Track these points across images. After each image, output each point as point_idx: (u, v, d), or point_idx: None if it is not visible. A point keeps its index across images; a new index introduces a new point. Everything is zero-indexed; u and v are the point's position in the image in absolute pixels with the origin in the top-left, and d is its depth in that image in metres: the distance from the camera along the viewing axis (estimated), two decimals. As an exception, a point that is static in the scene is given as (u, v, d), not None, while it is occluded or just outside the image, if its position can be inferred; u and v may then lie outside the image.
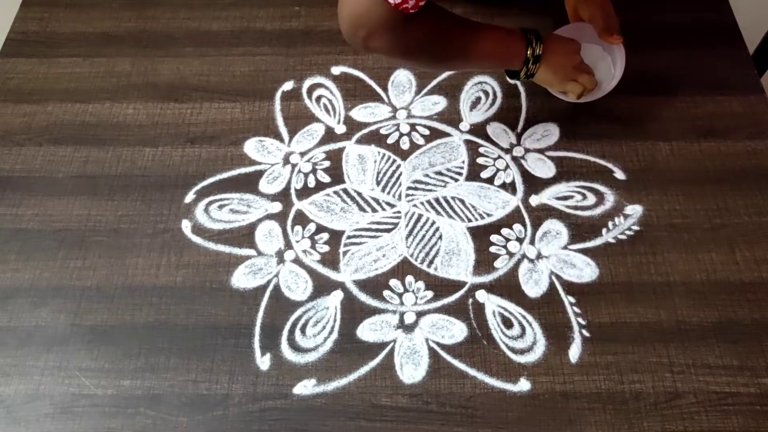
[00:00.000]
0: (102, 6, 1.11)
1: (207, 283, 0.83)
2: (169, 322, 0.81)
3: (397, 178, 0.92)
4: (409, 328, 0.80)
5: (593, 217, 0.87)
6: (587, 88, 0.87)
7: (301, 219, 0.88)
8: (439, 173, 0.92)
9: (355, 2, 0.70)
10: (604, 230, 0.86)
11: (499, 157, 0.93)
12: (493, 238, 0.86)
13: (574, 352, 0.78)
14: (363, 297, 0.82)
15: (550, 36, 0.85)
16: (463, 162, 0.93)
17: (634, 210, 0.88)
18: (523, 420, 0.74)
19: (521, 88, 0.99)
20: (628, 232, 0.86)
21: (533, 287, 0.82)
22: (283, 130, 0.96)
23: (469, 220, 0.88)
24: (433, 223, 0.88)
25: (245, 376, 0.77)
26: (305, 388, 0.77)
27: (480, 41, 0.80)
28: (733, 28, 1.04)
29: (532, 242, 0.86)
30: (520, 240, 0.86)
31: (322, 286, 0.83)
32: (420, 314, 0.81)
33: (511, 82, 0.87)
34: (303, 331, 0.80)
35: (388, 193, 0.90)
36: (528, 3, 1.07)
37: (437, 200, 0.90)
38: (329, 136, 0.96)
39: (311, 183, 0.91)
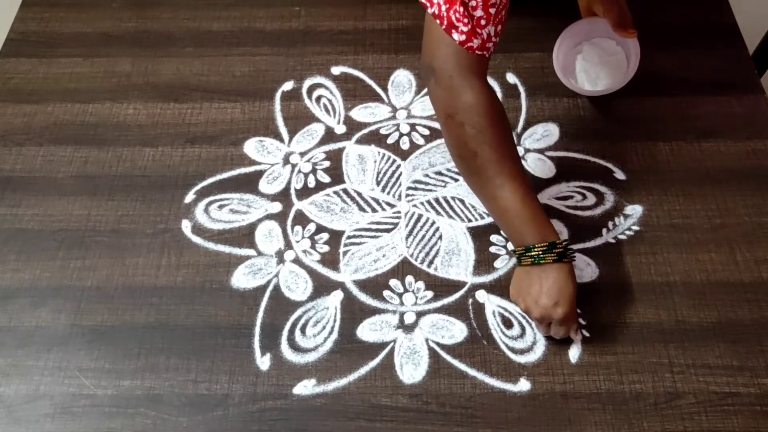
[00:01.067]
0: (102, 6, 1.11)
1: (207, 283, 0.83)
2: (169, 322, 0.81)
3: (397, 178, 0.92)
4: (409, 328, 0.80)
5: (593, 217, 0.87)
6: (554, 336, 0.77)
7: (301, 219, 0.88)
8: (439, 173, 0.92)
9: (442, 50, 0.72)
10: (604, 230, 0.86)
11: (499, 157, 0.93)
12: (493, 238, 0.86)
13: (574, 352, 0.78)
14: (363, 297, 0.82)
15: (566, 267, 0.74)
16: (463, 162, 0.93)
17: (634, 210, 0.88)
18: (523, 420, 0.74)
19: (521, 88, 0.99)
20: (628, 232, 0.86)
21: (533, 287, 0.82)
22: (283, 130, 0.96)
23: (469, 220, 0.88)
24: (433, 223, 0.88)
25: (245, 376, 0.77)
26: (305, 388, 0.77)
27: (511, 188, 0.74)
28: (733, 28, 1.04)
29: (532, 242, 0.86)
30: (520, 240, 0.86)
31: (322, 286, 0.83)
32: (420, 314, 0.81)
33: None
34: (303, 331, 0.80)
35: (388, 193, 0.90)
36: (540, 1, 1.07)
37: (437, 200, 0.90)
38: (329, 136, 0.96)
39: (311, 183, 0.91)
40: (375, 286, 0.83)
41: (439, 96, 0.76)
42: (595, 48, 0.96)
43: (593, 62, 0.95)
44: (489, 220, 0.88)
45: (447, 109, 0.75)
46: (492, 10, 0.70)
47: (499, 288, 0.82)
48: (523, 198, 0.74)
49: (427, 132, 0.95)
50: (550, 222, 0.76)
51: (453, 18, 0.70)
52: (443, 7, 0.70)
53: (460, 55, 0.72)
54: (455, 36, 0.71)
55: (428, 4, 0.72)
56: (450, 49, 0.72)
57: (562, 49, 0.95)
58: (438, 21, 0.71)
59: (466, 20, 0.69)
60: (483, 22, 0.70)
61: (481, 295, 0.82)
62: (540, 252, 0.73)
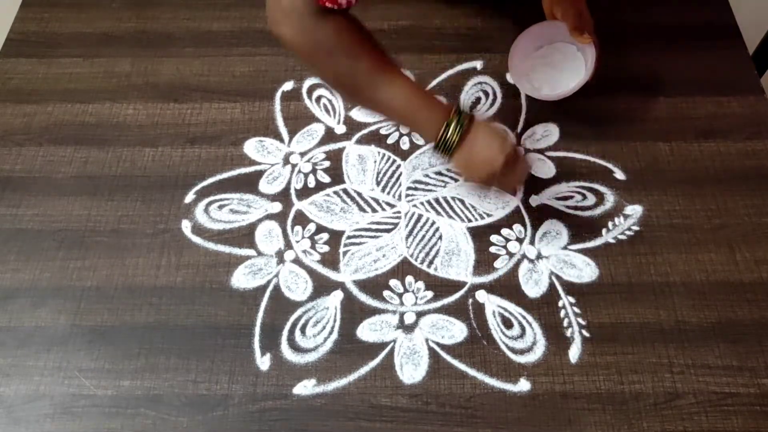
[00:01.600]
0: (102, 6, 1.11)
1: (207, 284, 0.83)
2: (169, 323, 0.81)
3: (397, 179, 0.92)
4: (409, 329, 0.80)
5: (593, 217, 0.87)
6: (506, 189, 0.80)
7: (301, 219, 0.88)
8: (439, 173, 0.92)
9: None
10: (604, 230, 0.86)
11: (499, 157, 0.93)
12: (493, 238, 0.86)
13: (574, 353, 0.78)
14: (363, 297, 0.82)
15: (477, 127, 0.76)
16: (463, 162, 0.93)
17: (634, 210, 0.88)
18: (523, 420, 0.74)
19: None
20: (628, 233, 0.86)
21: (533, 287, 0.82)
22: (283, 130, 0.96)
23: (469, 221, 0.88)
24: (433, 223, 0.88)
25: (245, 376, 0.77)
26: (305, 388, 0.77)
27: (394, 88, 0.75)
28: (733, 28, 1.04)
29: (532, 242, 0.86)
30: (520, 240, 0.86)
31: (322, 287, 0.83)
32: (420, 314, 0.81)
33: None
34: (303, 331, 0.80)
35: (388, 193, 0.90)
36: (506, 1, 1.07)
37: (437, 200, 0.90)
38: (329, 136, 0.96)
39: (311, 183, 0.91)
40: (375, 286, 0.83)
41: (296, 39, 0.72)
42: (556, 52, 0.94)
43: (553, 66, 0.94)
44: (489, 220, 0.88)
45: (308, 46, 0.72)
46: None
47: (500, 288, 0.82)
48: (405, 87, 0.75)
49: (427, 132, 0.95)
50: (434, 99, 0.78)
51: None
52: None
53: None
54: None
55: None
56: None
57: (520, 51, 0.93)
58: None
59: None
60: None
61: (481, 295, 0.82)
62: (452, 126, 0.75)
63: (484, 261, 0.85)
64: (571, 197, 0.89)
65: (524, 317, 0.80)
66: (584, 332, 0.79)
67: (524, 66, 0.95)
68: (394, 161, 0.93)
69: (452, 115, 0.76)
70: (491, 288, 0.83)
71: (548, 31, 0.93)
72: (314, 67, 0.77)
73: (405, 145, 0.94)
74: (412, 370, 0.77)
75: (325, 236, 0.87)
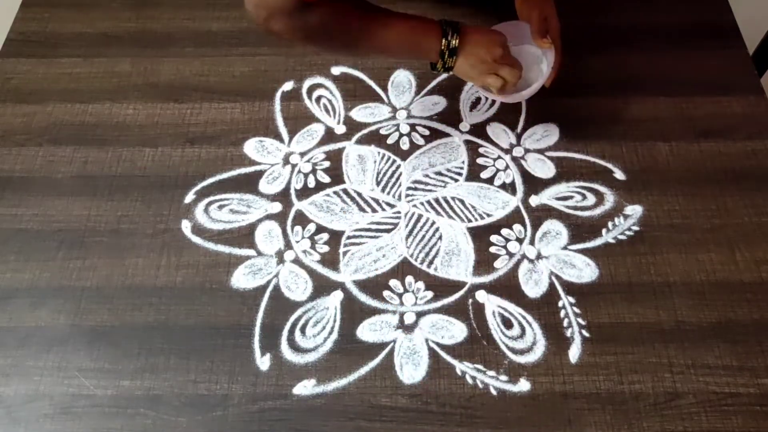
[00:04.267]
0: (102, 6, 1.11)
1: (207, 283, 0.83)
2: (169, 323, 0.81)
3: (397, 179, 0.92)
4: (408, 329, 0.80)
5: (593, 217, 0.87)
6: (508, 81, 0.83)
7: (301, 219, 0.88)
8: (439, 173, 0.92)
9: None
10: (603, 230, 0.86)
11: (499, 157, 0.93)
12: (493, 238, 0.86)
13: (574, 353, 0.78)
14: (363, 297, 0.82)
15: (470, 28, 0.82)
16: (463, 162, 0.93)
17: (634, 210, 0.88)
18: (523, 420, 0.74)
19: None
20: (627, 233, 0.86)
21: (533, 287, 0.82)
22: (283, 131, 0.96)
23: (469, 221, 0.88)
24: (433, 223, 0.88)
25: (245, 376, 0.77)
26: (305, 388, 0.77)
27: (389, 30, 0.79)
28: (733, 28, 1.04)
29: (531, 242, 0.86)
30: (519, 240, 0.86)
31: (322, 287, 0.83)
32: (420, 314, 0.81)
33: (434, 72, 0.85)
34: (303, 331, 0.80)
35: (388, 193, 0.90)
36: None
37: (437, 200, 0.90)
38: (329, 136, 0.96)
39: (311, 183, 0.91)
40: (375, 286, 0.83)
41: (287, 33, 0.76)
42: (522, 53, 0.91)
43: None
44: (489, 220, 0.88)
45: (300, 35, 0.76)
46: None
47: (499, 288, 0.82)
48: (396, 25, 0.79)
49: (427, 132, 0.95)
50: (425, 20, 0.81)
51: None
52: None
53: None
54: None
55: None
56: None
57: None
58: None
59: None
60: None
61: (481, 296, 0.82)
62: (450, 41, 0.79)
63: (484, 261, 0.85)
64: (571, 197, 0.89)
65: (524, 317, 0.80)
66: (584, 332, 0.79)
67: None
68: (394, 161, 0.93)
69: (444, 25, 0.80)
70: (491, 288, 0.83)
71: (514, 31, 0.90)
72: (313, 47, 0.81)
73: (405, 145, 0.95)
74: (412, 370, 0.77)
75: (325, 236, 0.87)
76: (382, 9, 0.80)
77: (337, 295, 0.82)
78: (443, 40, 0.80)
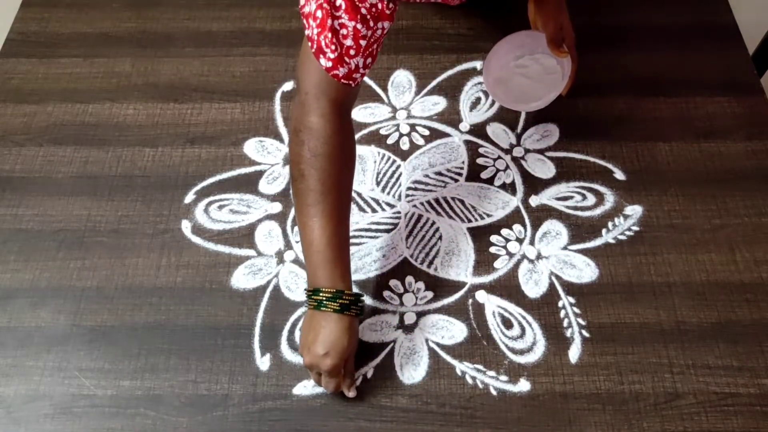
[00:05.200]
0: (102, 6, 1.11)
1: (207, 284, 0.83)
2: (169, 323, 0.81)
3: (397, 179, 0.92)
4: (409, 329, 0.80)
5: (593, 217, 0.87)
6: (322, 386, 0.74)
7: (301, 219, 0.88)
8: (439, 174, 0.92)
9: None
10: (603, 231, 0.86)
11: (499, 157, 0.93)
12: (493, 238, 0.86)
13: (574, 353, 0.78)
14: (363, 297, 0.82)
15: (348, 320, 0.72)
16: (463, 162, 0.93)
17: (634, 210, 0.88)
18: (522, 420, 0.74)
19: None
20: (627, 233, 0.86)
21: (533, 288, 0.82)
22: (283, 131, 0.96)
23: (469, 221, 0.88)
24: (433, 223, 0.88)
25: (245, 376, 0.77)
26: (305, 388, 0.77)
27: (322, 226, 0.72)
28: (733, 29, 1.04)
29: (531, 243, 0.86)
30: (520, 240, 0.86)
31: (322, 287, 0.83)
32: (420, 314, 0.81)
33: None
34: (303, 331, 0.80)
35: (388, 193, 0.90)
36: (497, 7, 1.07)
37: (437, 201, 0.90)
38: (329, 136, 0.95)
39: (311, 183, 0.91)
40: (375, 286, 0.83)
41: (294, 109, 0.76)
42: (535, 63, 0.92)
43: (529, 78, 0.92)
44: (489, 220, 0.88)
45: (295, 123, 0.74)
46: (362, 42, 0.70)
47: (499, 288, 0.82)
48: (330, 239, 0.72)
49: (426, 132, 0.95)
50: (349, 272, 0.74)
51: (323, 43, 0.70)
52: (315, 31, 0.70)
53: (322, 78, 0.72)
54: (323, 61, 0.71)
55: (306, 24, 0.72)
56: (315, 69, 0.72)
57: (500, 59, 0.92)
58: (310, 43, 0.71)
59: (333, 47, 0.70)
60: (352, 52, 0.70)
61: (481, 296, 0.82)
62: (324, 298, 0.71)
63: (484, 261, 0.85)
64: (571, 197, 0.89)
65: (524, 317, 0.80)
66: (584, 332, 0.79)
67: (502, 74, 0.92)
68: (394, 161, 0.93)
69: (334, 292, 0.71)
70: (491, 288, 0.83)
71: (530, 41, 0.91)
72: (290, 142, 0.76)
73: (405, 145, 0.95)
74: (411, 370, 0.77)
75: (325, 236, 0.87)
76: (341, 210, 0.74)
77: (337, 295, 0.82)
78: (312, 295, 0.72)
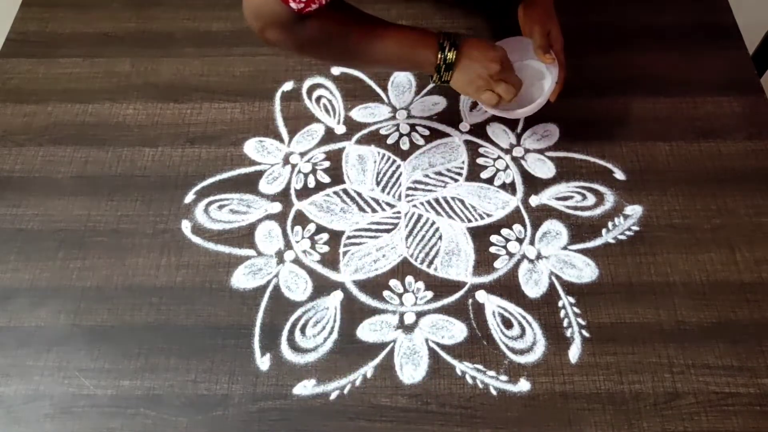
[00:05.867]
0: (102, 6, 1.11)
1: (207, 284, 0.83)
2: (169, 323, 0.81)
3: (397, 179, 0.92)
4: (408, 329, 0.80)
5: (593, 217, 0.87)
6: (504, 98, 0.82)
7: (301, 219, 0.88)
8: (439, 173, 0.92)
9: None
10: (603, 231, 0.86)
11: (499, 157, 0.93)
12: (493, 238, 0.86)
13: (574, 353, 0.78)
14: (363, 297, 0.82)
15: (468, 41, 0.80)
16: (463, 162, 0.93)
17: (634, 210, 0.88)
18: (523, 420, 0.74)
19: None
20: (627, 233, 0.86)
21: (533, 287, 0.82)
22: (283, 131, 0.96)
23: (469, 221, 0.88)
24: (433, 223, 0.88)
25: (245, 376, 0.77)
26: (305, 388, 0.77)
27: (386, 42, 0.78)
28: (733, 29, 1.04)
29: (531, 242, 0.86)
30: (519, 240, 0.86)
31: (322, 287, 0.83)
32: (420, 314, 0.81)
33: (432, 83, 0.85)
34: (303, 331, 0.80)
35: (388, 193, 0.90)
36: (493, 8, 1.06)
37: (437, 200, 0.90)
38: (329, 136, 0.96)
39: (311, 183, 0.91)
40: (375, 286, 0.83)
41: (284, 42, 0.76)
42: (526, 69, 0.91)
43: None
44: (489, 220, 0.88)
45: (297, 45, 0.76)
46: None
47: (499, 288, 0.82)
48: (392, 37, 0.78)
49: (427, 132, 0.95)
50: (423, 31, 0.80)
51: None
52: None
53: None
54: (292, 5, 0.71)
55: None
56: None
57: None
58: None
59: None
60: None
61: (481, 296, 0.82)
62: (448, 53, 0.78)
63: (484, 261, 0.85)
64: (571, 197, 0.89)
65: (524, 317, 0.80)
66: (584, 332, 0.79)
67: None
68: (394, 161, 0.93)
69: (442, 38, 0.79)
70: (491, 288, 0.83)
71: (519, 46, 0.89)
72: (309, 57, 0.82)
73: (405, 145, 0.95)
74: (412, 370, 0.77)
75: (325, 236, 0.87)
76: (379, 20, 0.80)
77: (337, 295, 0.82)
78: (439, 54, 0.79)
